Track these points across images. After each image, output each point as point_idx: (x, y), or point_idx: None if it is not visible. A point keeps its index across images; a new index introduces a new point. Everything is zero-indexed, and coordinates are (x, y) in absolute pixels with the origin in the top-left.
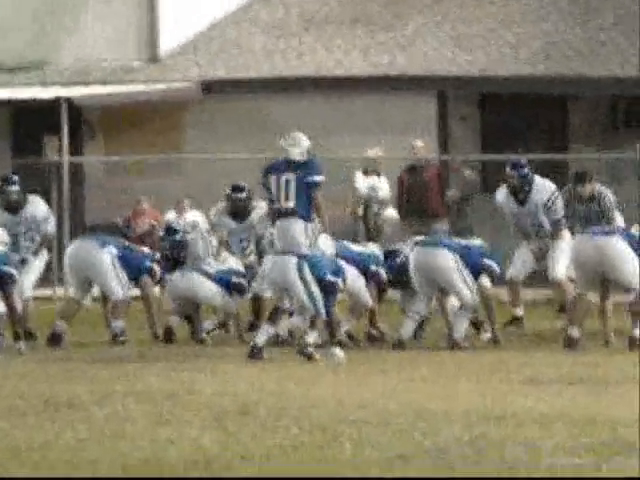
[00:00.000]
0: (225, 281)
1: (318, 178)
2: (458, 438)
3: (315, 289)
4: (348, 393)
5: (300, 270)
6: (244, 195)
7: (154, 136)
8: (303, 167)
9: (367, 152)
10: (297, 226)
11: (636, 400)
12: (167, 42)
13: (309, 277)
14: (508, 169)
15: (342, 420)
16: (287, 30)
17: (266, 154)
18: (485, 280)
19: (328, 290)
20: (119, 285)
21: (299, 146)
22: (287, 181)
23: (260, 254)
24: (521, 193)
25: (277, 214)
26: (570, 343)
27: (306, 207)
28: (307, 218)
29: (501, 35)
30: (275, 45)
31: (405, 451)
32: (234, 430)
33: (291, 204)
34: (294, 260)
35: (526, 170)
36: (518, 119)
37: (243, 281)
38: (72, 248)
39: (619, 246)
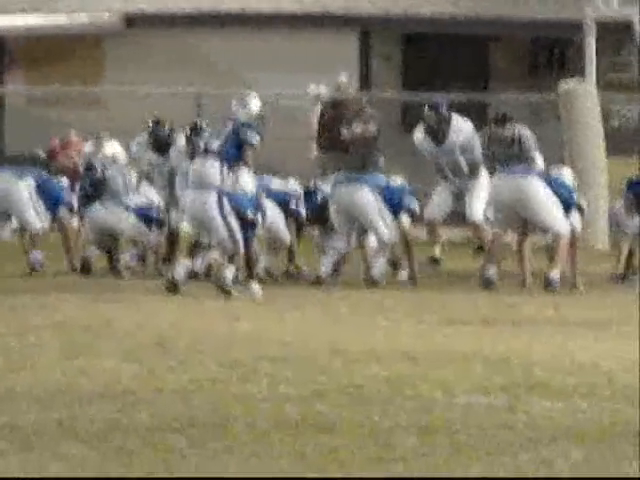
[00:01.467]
0: (145, 214)
1: (254, 139)
2: (374, 376)
3: (234, 224)
4: (266, 330)
5: (220, 206)
6: (166, 129)
7: (76, 67)
8: (245, 125)
9: (310, 88)
10: (213, 166)
11: (551, 341)
12: None
13: (228, 213)
14: (425, 109)
15: (259, 357)
16: None
17: (188, 89)
18: (405, 219)
19: (247, 226)
20: (37, 217)
21: (247, 108)
22: (223, 130)
23: (171, 187)
24: (438, 133)
25: (197, 152)
26: (486, 283)
27: (230, 154)
28: (227, 161)
29: None
30: None
31: (321, 388)
32: (150, 364)
33: (214, 146)
34: (214, 196)
35: (443, 110)
36: (440, 59)
37: (163, 214)
38: None
39: (537, 187)
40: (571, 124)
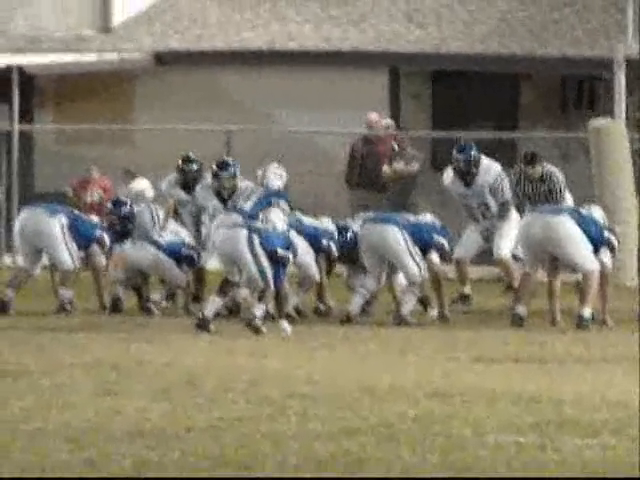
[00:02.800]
0: (175, 252)
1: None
2: (404, 414)
3: (265, 262)
4: (295, 367)
5: (250, 242)
6: (194, 166)
7: (105, 106)
8: (279, 194)
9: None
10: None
11: (581, 379)
12: (120, 12)
13: (259, 250)
14: (454, 152)
15: (289, 394)
16: (241, 2)
17: (217, 126)
18: (434, 257)
19: (278, 263)
20: (68, 254)
21: (282, 179)
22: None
23: (198, 224)
24: (467, 175)
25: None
26: (516, 321)
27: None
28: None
29: (454, 12)
30: (229, 17)
31: (350, 426)
32: (180, 402)
33: (246, 208)
34: (245, 232)
35: (472, 153)
36: (470, 97)
37: (193, 253)
38: (22, 217)
39: (567, 225)
40: (601, 163)
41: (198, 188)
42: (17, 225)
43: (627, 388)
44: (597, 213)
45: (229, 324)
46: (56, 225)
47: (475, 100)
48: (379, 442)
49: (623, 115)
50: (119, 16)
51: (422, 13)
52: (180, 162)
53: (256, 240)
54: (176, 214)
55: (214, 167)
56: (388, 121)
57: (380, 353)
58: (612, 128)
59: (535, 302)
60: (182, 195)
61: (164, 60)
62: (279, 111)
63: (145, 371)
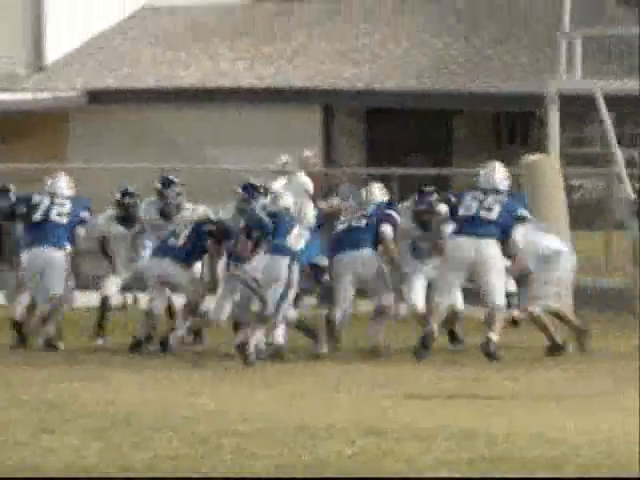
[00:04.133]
0: None
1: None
2: (339, 452)
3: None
4: (231, 405)
5: (290, 271)
6: (133, 200)
7: (39, 144)
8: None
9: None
10: None
11: (515, 415)
12: (53, 51)
13: (294, 280)
14: (413, 203)
15: (223, 432)
16: (174, 41)
17: (151, 164)
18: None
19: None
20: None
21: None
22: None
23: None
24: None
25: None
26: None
27: None
28: None
29: (388, 50)
30: (162, 55)
31: (286, 464)
32: (116, 440)
33: None
34: (287, 260)
35: (431, 200)
36: (404, 133)
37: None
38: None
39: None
40: (535, 198)
41: (143, 205)
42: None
43: (561, 424)
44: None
45: (165, 360)
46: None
47: (409, 136)
48: None
49: (556, 150)
50: (52, 54)
51: (356, 51)
52: (119, 196)
53: (295, 268)
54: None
55: (159, 185)
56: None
57: (314, 390)
58: (545, 163)
59: (469, 338)
60: (119, 229)
61: (97, 98)
62: (212, 148)
63: (82, 409)
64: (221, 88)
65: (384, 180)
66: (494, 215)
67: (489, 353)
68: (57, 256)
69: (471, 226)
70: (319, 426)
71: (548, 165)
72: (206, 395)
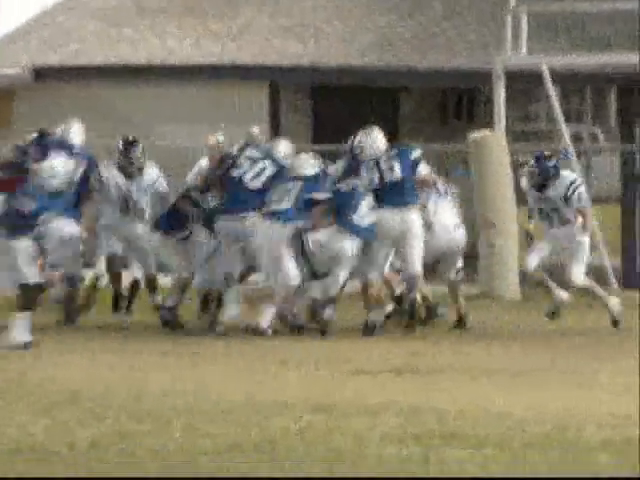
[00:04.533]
0: None
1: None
2: (286, 428)
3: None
4: (180, 381)
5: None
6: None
7: None
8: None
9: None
10: None
11: (463, 391)
12: None
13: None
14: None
15: (173, 409)
16: (120, 18)
17: (97, 141)
18: None
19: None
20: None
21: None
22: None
23: None
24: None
25: None
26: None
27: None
28: None
29: (333, 26)
30: (108, 33)
31: (234, 441)
32: (62, 418)
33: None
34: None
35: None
36: (349, 110)
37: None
38: None
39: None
40: (481, 175)
41: (101, 166)
42: None
43: (508, 400)
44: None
45: (110, 338)
46: None
47: (355, 113)
48: (262, 457)
49: (503, 127)
50: None
51: (301, 27)
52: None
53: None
54: None
55: (121, 144)
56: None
57: (262, 366)
58: (492, 140)
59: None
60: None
61: (42, 76)
62: (160, 126)
63: (26, 387)
64: (168, 65)
65: (331, 157)
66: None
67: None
68: None
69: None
70: (268, 403)
71: (494, 142)
72: (152, 372)
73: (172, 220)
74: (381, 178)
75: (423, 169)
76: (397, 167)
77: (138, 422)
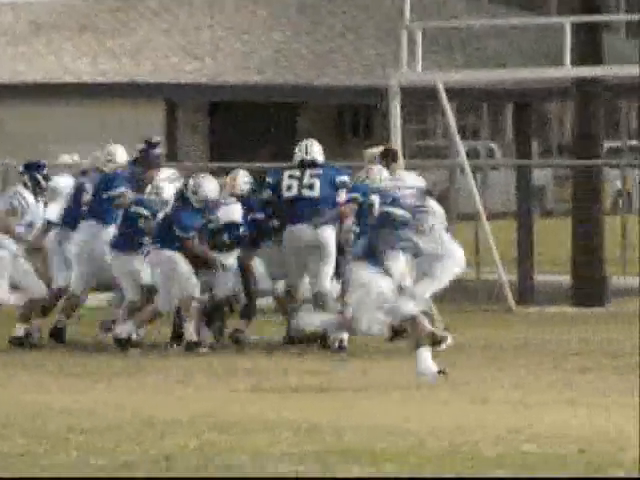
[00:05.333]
0: None
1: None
2: (184, 446)
3: None
4: (76, 401)
5: None
6: None
7: None
8: None
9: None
10: None
11: (360, 408)
12: None
13: None
14: None
15: (70, 428)
16: (16, 36)
17: None
18: None
19: None
20: None
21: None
22: None
23: None
24: None
25: None
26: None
27: None
28: None
29: (231, 43)
30: (3, 50)
31: (131, 459)
32: None
33: None
34: None
35: None
36: (247, 127)
37: None
38: None
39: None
40: None
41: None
42: None
43: (405, 416)
44: None
45: (10, 356)
46: None
47: (253, 130)
48: (159, 475)
49: (399, 143)
50: None
51: (198, 45)
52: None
53: None
54: None
55: (22, 168)
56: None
57: (162, 384)
58: None
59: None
60: None
61: None
62: (55, 144)
63: None
64: (64, 84)
65: (228, 174)
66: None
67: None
68: None
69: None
70: (166, 420)
71: None
72: (50, 392)
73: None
74: (299, 191)
75: (342, 195)
76: (317, 185)
77: (37, 442)
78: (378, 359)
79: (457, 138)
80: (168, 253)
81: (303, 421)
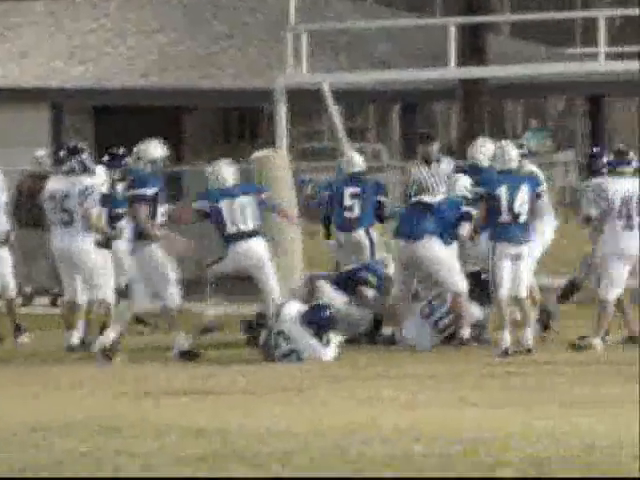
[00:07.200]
0: None
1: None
2: (72, 450)
3: None
4: None
5: None
6: None
7: None
8: None
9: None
10: None
11: (246, 409)
12: None
13: None
14: None
15: None
16: None
17: None
18: None
19: None
20: None
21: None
22: None
23: None
24: None
25: None
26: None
27: None
28: None
29: (115, 47)
30: None
31: (20, 465)
32: None
33: None
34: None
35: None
36: (132, 130)
37: None
38: None
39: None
40: None
41: None
42: None
43: (291, 418)
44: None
45: None
46: None
47: (139, 134)
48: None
49: (285, 145)
50: None
51: (83, 49)
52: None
53: None
54: None
55: None
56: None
57: (49, 390)
58: (274, 159)
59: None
60: None
61: None
62: None
63: None
64: None
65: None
66: None
67: None
68: None
69: None
70: (55, 425)
71: (277, 160)
72: None
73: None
74: None
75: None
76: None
77: None
78: (268, 363)
79: (344, 140)
80: None
81: (191, 424)
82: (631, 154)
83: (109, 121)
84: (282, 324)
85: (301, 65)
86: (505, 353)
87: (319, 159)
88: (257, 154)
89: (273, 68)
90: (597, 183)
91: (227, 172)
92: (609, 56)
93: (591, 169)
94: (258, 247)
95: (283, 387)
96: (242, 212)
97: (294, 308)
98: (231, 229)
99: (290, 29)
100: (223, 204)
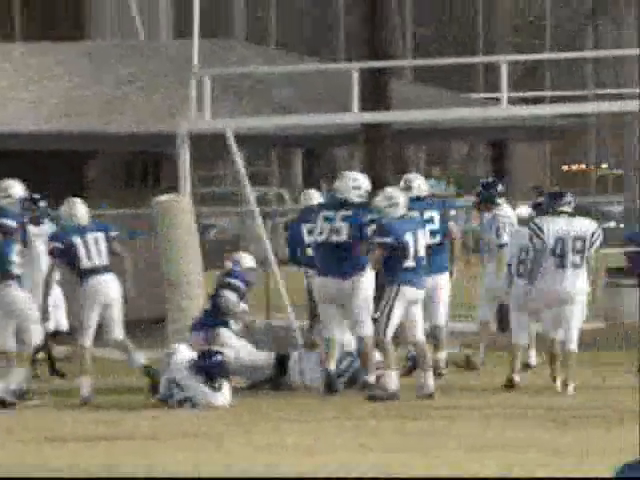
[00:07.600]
0: None
1: None
2: None
3: None
4: None
5: None
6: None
7: None
8: None
9: None
10: None
11: (151, 455)
12: None
13: None
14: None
15: None
16: None
17: None
18: None
19: None
20: None
21: None
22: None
23: None
24: None
25: None
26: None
27: None
28: None
29: (18, 91)
30: None
31: None
32: None
33: None
34: None
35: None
36: (32, 175)
37: None
38: None
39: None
40: (168, 238)
41: None
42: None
43: (197, 464)
44: None
45: None
46: None
47: (41, 178)
48: None
49: (188, 190)
50: None
51: None
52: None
53: None
54: None
55: None
56: None
57: None
58: (177, 203)
59: (104, 381)
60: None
61: None
62: None
63: None
64: None
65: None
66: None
67: None
68: None
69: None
70: None
71: (180, 205)
72: None
73: None
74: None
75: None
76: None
77: None
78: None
79: (247, 184)
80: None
81: (97, 469)
82: (568, 195)
83: (13, 165)
84: (174, 372)
85: (204, 110)
86: (372, 398)
87: (220, 204)
88: (160, 199)
89: (177, 113)
90: (534, 222)
91: (81, 210)
92: (511, 101)
93: (485, 199)
94: (113, 283)
95: (188, 433)
96: (97, 247)
97: (185, 356)
98: (86, 264)
99: (193, 74)
100: (77, 240)
